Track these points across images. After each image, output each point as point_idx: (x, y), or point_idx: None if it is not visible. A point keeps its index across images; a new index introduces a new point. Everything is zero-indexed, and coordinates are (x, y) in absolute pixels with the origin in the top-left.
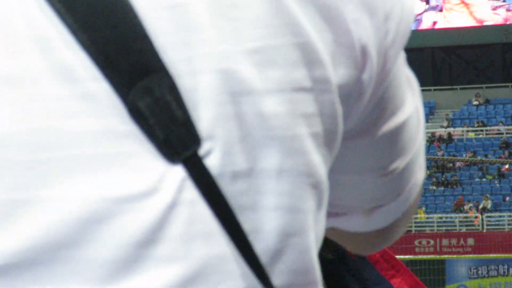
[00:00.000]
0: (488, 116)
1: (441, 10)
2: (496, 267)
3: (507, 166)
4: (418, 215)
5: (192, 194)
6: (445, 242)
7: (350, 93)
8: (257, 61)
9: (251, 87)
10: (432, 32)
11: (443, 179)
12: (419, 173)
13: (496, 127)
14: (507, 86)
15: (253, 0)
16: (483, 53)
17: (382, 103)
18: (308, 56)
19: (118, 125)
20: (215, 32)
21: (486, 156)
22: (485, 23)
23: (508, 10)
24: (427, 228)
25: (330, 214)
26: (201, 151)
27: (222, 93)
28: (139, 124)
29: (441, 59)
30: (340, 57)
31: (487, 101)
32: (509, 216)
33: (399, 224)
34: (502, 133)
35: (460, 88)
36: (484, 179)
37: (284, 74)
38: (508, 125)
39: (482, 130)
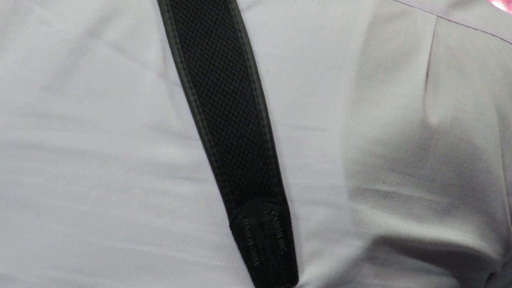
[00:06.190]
0: None
1: None
2: None
3: None
4: None
5: None
6: None
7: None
8: (381, 206)
9: (364, 230)
10: None
11: None
12: None
13: None
14: None
15: (400, 139)
16: None
17: None
18: (442, 213)
19: (210, 234)
20: (344, 166)
21: None
22: None
23: None
24: None
25: None
26: (294, 287)
27: (333, 230)
28: (236, 241)
29: None
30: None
31: None
32: None
33: None
34: None
35: None
36: None
37: (403, 224)
38: None
39: None
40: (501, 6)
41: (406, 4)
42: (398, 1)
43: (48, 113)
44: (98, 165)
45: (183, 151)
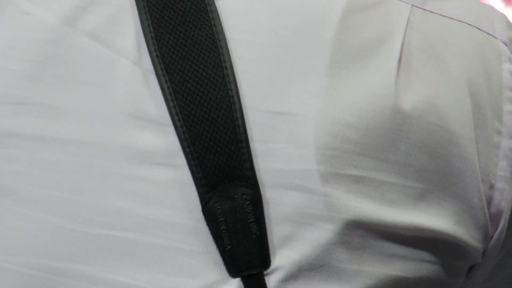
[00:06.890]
0: None
1: None
2: None
3: None
4: None
5: None
6: None
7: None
8: (353, 190)
9: (336, 214)
10: None
11: None
12: None
13: None
14: None
15: (372, 124)
16: None
17: None
18: (417, 198)
19: (184, 219)
20: (316, 150)
21: None
22: None
23: None
24: None
25: None
26: (266, 270)
27: (306, 214)
28: (209, 226)
29: None
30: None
31: None
32: None
33: None
34: None
35: None
36: None
37: (376, 208)
38: None
39: None
40: (500, 4)
41: None
42: None
43: (26, 102)
44: (75, 152)
45: (158, 137)
